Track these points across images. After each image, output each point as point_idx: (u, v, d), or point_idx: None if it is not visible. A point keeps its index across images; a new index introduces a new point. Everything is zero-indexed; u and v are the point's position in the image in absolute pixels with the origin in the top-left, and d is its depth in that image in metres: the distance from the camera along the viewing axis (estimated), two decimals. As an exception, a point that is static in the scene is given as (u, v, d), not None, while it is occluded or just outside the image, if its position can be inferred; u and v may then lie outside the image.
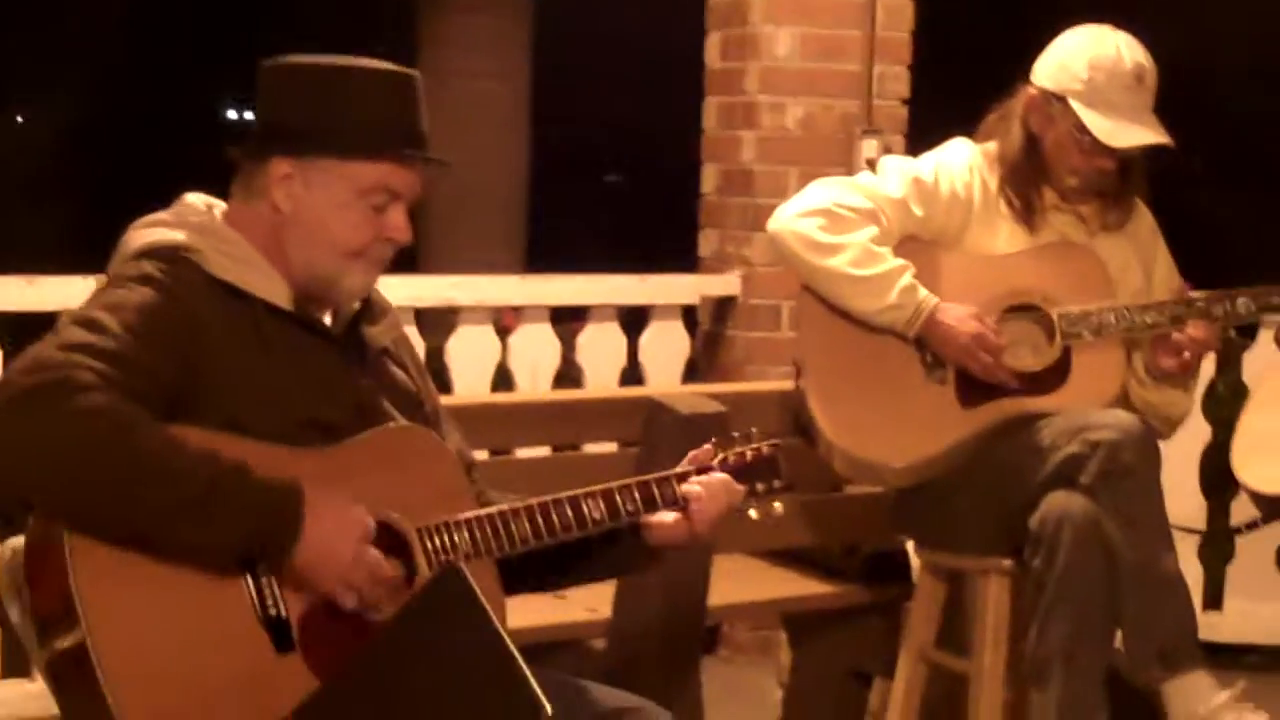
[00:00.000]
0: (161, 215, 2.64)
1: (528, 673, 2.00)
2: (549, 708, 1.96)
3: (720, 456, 2.81)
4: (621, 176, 16.16)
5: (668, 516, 2.73)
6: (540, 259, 8.37)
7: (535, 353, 5.19)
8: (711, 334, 5.57)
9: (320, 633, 2.43)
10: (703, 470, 2.77)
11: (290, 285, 2.60)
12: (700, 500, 2.73)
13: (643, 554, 2.80)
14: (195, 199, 2.68)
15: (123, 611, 2.34)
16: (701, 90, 5.65)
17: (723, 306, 5.52)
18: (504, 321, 5.44)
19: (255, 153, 2.62)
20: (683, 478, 2.76)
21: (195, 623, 2.38)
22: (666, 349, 5.42)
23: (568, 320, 5.47)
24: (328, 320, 2.68)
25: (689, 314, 5.58)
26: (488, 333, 5.16)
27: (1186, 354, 3.62)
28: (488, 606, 2.06)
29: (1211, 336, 3.62)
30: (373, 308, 2.74)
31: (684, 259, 5.83)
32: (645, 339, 5.41)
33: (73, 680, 2.35)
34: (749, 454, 2.83)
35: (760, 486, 2.83)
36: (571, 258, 6.55)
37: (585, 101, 13.14)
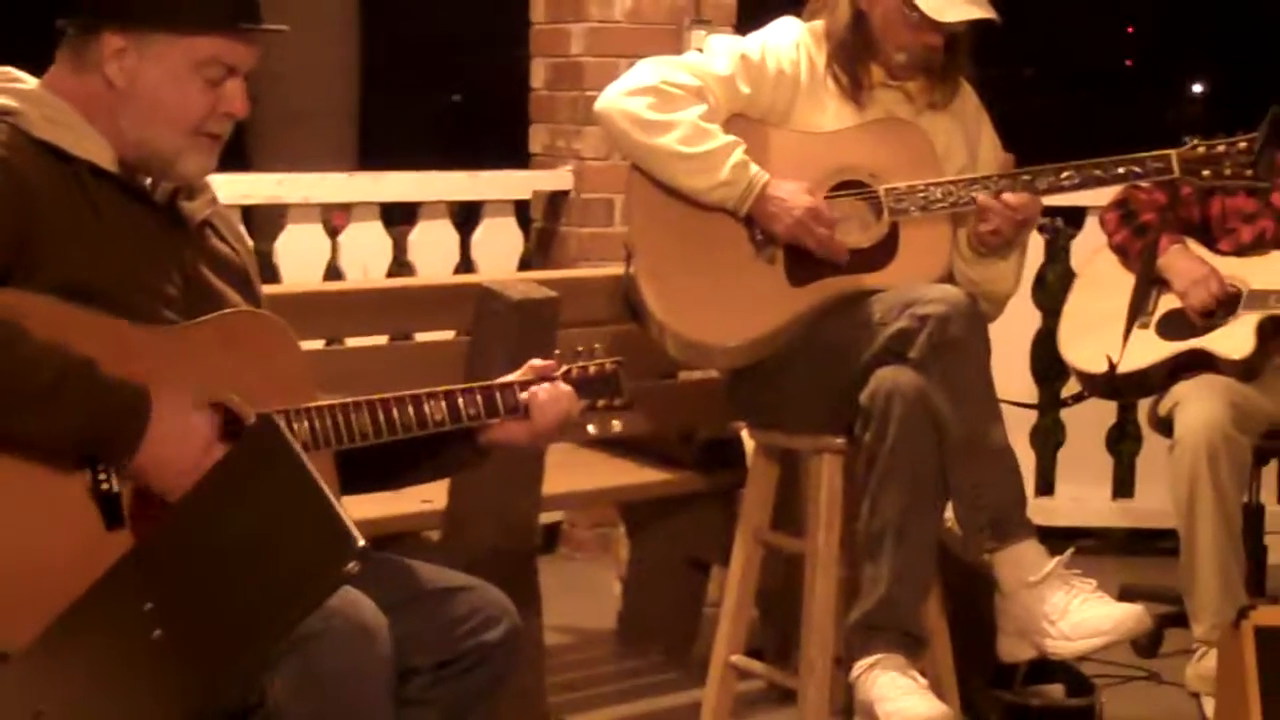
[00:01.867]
0: None
1: (339, 509, 2.00)
2: (360, 539, 1.95)
3: (563, 370, 2.81)
4: (462, 95, 15.99)
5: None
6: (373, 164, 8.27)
7: (366, 251, 5.14)
8: (544, 230, 5.54)
9: (152, 510, 2.41)
10: (544, 379, 2.77)
11: (116, 151, 2.55)
12: (544, 407, 2.74)
13: (474, 453, 2.81)
14: (12, 70, 2.62)
15: None
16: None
17: (555, 201, 5.49)
18: (334, 222, 5.36)
19: (86, 25, 2.56)
20: (524, 385, 2.76)
21: (25, 498, 2.36)
22: (500, 245, 5.39)
23: (400, 223, 5.42)
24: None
25: (522, 210, 5.55)
26: (317, 231, 5.09)
27: (1003, 221, 3.61)
28: (299, 450, 2.04)
29: (1029, 205, 3.62)
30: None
31: (516, 158, 5.79)
32: (478, 236, 5.37)
33: None
34: (591, 369, 2.85)
35: (601, 402, 2.85)
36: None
37: (417, 11, 12.97)
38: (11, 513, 2.35)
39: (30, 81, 2.60)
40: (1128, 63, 17.69)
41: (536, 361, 2.80)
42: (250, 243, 2.85)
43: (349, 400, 2.62)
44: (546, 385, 2.76)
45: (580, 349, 2.86)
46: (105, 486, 2.40)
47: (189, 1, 2.54)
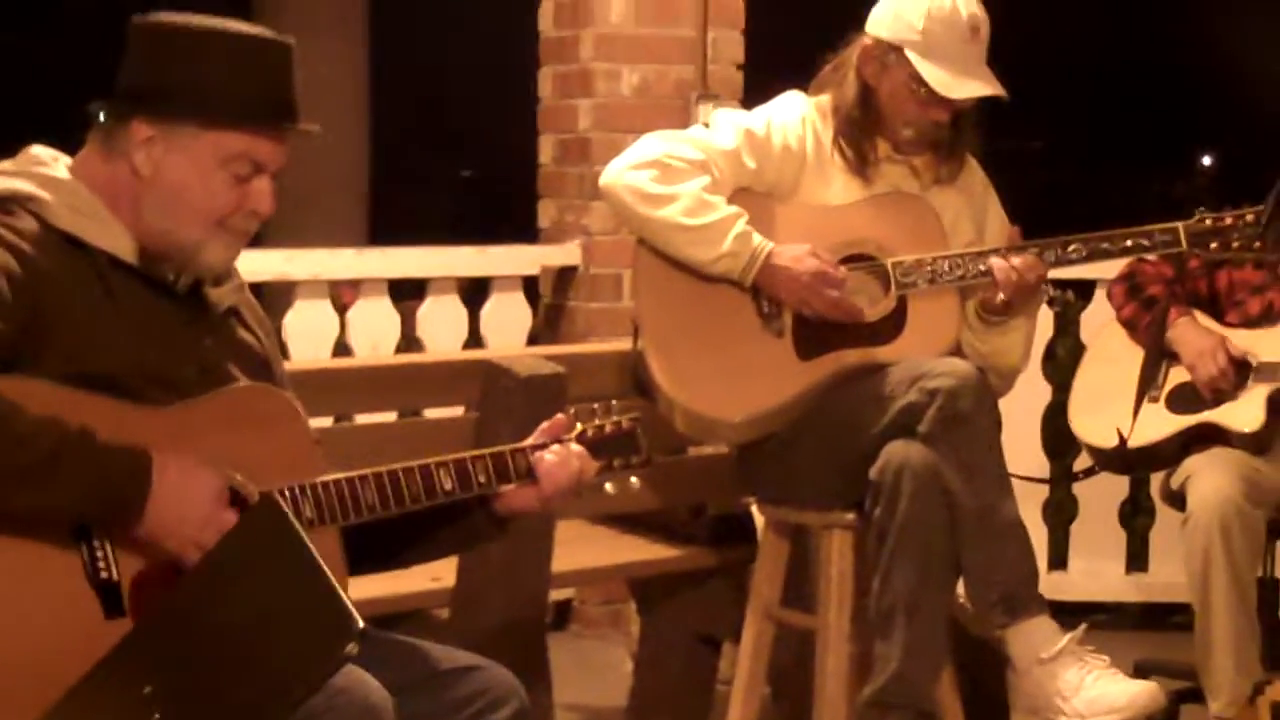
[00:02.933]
0: (3, 164, 2.57)
1: (339, 589, 1.98)
2: (360, 622, 1.93)
3: (579, 430, 2.79)
4: (474, 171, 16.04)
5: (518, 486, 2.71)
6: (384, 241, 8.28)
7: (374, 327, 5.14)
8: (553, 305, 5.54)
9: (152, 598, 2.37)
10: (556, 441, 2.74)
11: (136, 241, 2.53)
12: (552, 471, 2.71)
13: (490, 525, 2.77)
14: (41, 151, 2.61)
15: None
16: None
17: (564, 277, 5.49)
18: (343, 298, 5.37)
19: (117, 111, 2.55)
20: (535, 449, 2.73)
21: (22, 585, 2.32)
22: (508, 321, 5.39)
23: (408, 298, 5.42)
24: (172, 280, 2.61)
25: (530, 286, 5.55)
26: (325, 307, 5.09)
27: (1013, 280, 3.58)
28: (300, 530, 2.03)
29: (1036, 269, 3.61)
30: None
31: (527, 234, 5.80)
32: (486, 311, 5.38)
33: None
34: (608, 427, 2.81)
35: (617, 461, 2.82)
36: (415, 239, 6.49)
37: (428, 85, 13.03)
38: (8, 601, 2.31)
39: (57, 165, 2.58)
40: (1138, 135, 17.81)
41: (547, 423, 2.76)
42: (271, 328, 2.81)
43: (354, 474, 2.58)
44: (556, 448, 2.73)
45: (595, 407, 2.82)
46: (105, 575, 2.36)
47: (219, 95, 2.51)
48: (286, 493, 2.49)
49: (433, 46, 12.37)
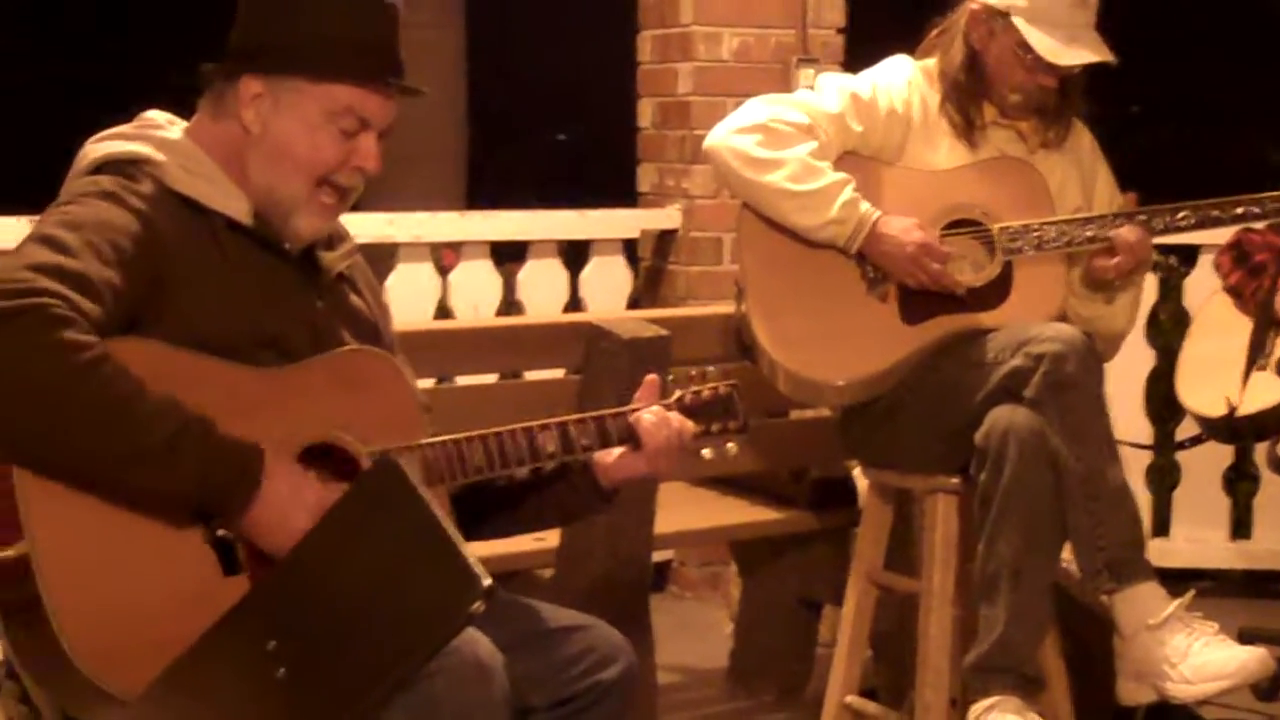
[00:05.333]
0: (122, 128, 2.60)
1: (463, 547, 1.99)
2: (487, 579, 1.94)
3: (676, 395, 2.80)
4: (567, 135, 16.02)
5: (618, 451, 2.73)
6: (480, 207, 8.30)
7: (476, 290, 5.16)
8: (653, 268, 5.55)
9: (267, 557, 2.39)
10: (652, 404, 2.75)
11: (251, 202, 2.56)
12: (652, 434, 2.72)
13: (596, 496, 2.79)
14: (156, 114, 2.64)
15: (69, 523, 2.31)
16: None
17: (663, 240, 5.49)
18: (444, 261, 5.40)
19: (227, 70, 2.57)
20: (632, 411, 2.74)
21: (143, 540, 2.35)
22: (608, 284, 5.40)
23: (509, 262, 5.44)
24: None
25: (630, 249, 5.56)
26: (427, 270, 5.12)
27: (1119, 257, 3.59)
28: (421, 489, 2.04)
29: (1144, 240, 3.59)
30: (331, 234, 2.70)
31: (622, 200, 5.81)
32: (586, 274, 5.39)
33: (15, 590, 2.31)
34: (705, 392, 2.82)
35: (715, 426, 2.82)
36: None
37: (524, 56, 13.02)
38: (128, 559, 2.34)
39: (173, 128, 2.60)
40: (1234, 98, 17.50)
41: (643, 389, 2.77)
42: (385, 295, 2.83)
43: (460, 436, 2.60)
44: (654, 408, 2.74)
45: (693, 373, 2.83)
46: (221, 533, 2.39)
47: (326, 48, 2.53)
48: (395, 453, 2.50)
49: (530, 12, 12.37)
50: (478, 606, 1.94)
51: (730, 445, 2.83)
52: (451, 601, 1.94)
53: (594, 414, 2.72)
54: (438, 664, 2.30)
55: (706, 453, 2.81)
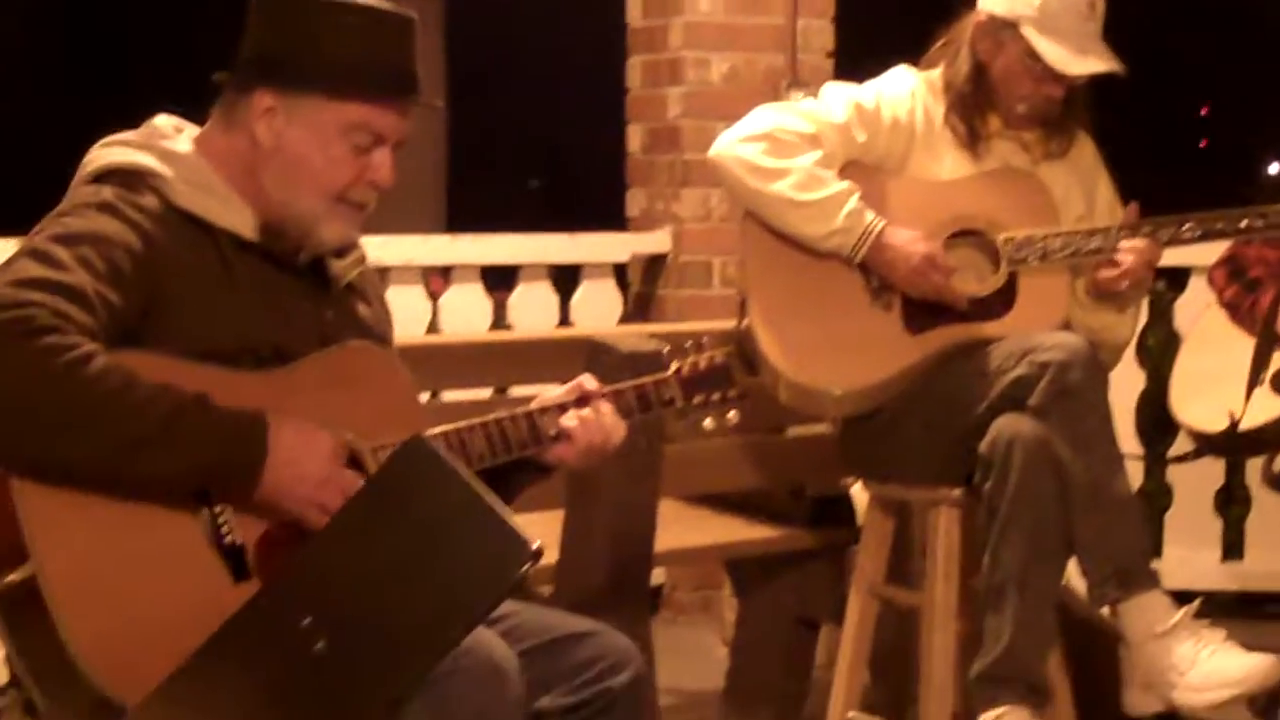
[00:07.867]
0: (128, 135, 2.57)
1: (508, 515, 1.97)
2: (534, 542, 1.92)
3: (675, 367, 2.78)
4: (542, 181, 16.05)
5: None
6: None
7: (466, 313, 5.15)
8: (642, 293, 5.54)
9: (279, 559, 2.38)
10: (582, 401, 2.68)
11: (257, 216, 2.53)
12: (573, 435, 2.65)
13: (540, 474, 2.73)
14: (164, 122, 2.60)
15: (73, 542, 2.29)
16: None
17: (653, 265, 5.50)
18: (432, 287, 5.38)
19: (240, 83, 2.54)
20: (563, 409, 2.66)
21: (149, 553, 2.33)
22: (598, 307, 5.40)
23: (495, 289, 5.43)
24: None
25: (620, 274, 5.55)
26: (418, 293, 5.10)
27: (1123, 266, 3.58)
28: (455, 463, 2.02)
29: (1149, 250, 3.59)
30: None
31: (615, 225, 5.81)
32: (577, 298, 5.38)
33: (23, 613, 2.29)
34: (702, 363, 2.80)
35: (715, 396, 2.80)
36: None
37: (505, 80, 13.05)
38: (137, 573, 2.31)
39: (180, 137, 2.57)
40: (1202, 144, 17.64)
41: (574, 381, 2.70)
42: (386, 302, 2.80)
43: (461, 425, 2.58)
44: (584, 411, 2.66)
45: (688, 344, 2.80)
46: (229, 540, 2.36)
47: (343, 66, 2.50)
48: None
49: (512, 35, 12.40)
50: (528, 568, 1.92)
51: (731, 414, 2.80)
52: (499, 565, 1.92)
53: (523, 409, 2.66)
54: (452, 665, 2.27)
55: (708, 423, 2.79)
